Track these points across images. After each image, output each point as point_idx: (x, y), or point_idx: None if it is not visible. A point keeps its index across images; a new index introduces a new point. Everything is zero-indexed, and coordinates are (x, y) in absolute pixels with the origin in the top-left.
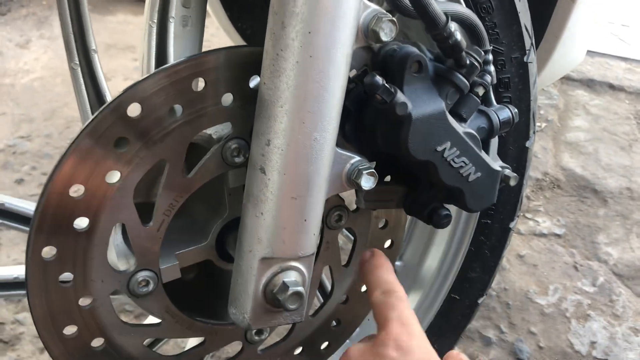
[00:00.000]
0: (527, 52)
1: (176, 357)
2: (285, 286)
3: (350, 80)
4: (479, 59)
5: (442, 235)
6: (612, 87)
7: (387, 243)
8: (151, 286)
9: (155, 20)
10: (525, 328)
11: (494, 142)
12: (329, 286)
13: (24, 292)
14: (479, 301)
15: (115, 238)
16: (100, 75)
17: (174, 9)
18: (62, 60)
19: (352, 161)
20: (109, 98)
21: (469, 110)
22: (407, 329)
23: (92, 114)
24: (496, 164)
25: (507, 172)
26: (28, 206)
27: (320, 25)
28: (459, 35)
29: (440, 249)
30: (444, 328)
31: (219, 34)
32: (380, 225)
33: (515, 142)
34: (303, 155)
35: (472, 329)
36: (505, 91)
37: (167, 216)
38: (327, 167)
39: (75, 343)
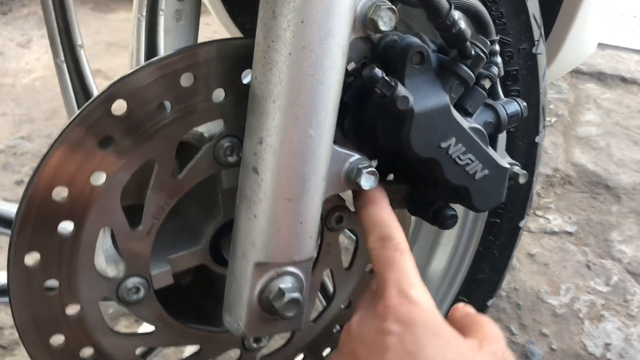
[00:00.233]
0: (535, 43)
1: None
2: (281, 293)
3: (348, 74)
4: (484, 49)
5: (448, 236)
6: (624, 80)
7: None
8: (142, 293)
9: (144, 14)
10: (537, 329)
11: (502, 138)
12: (331, 289)
13: (7, 299)
14: (488, 303)
15: (104, 243)
16: (87, 71)
17: (164, 2)
18: None
19: (351, 159)
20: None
21: (475, 104)
22: (407, 297)
23: None
24: (504, 160)
25: (516, 169)
26: (13, 209)
27: (313, 14)
28: (462, 24)
29: (447, 249)
30: None
31: (221, 30)
32: None
33: (524, 137)
34: (298, 153)
35: None
36: (513, 84)
37: (157, 219)
38: (324, 166)
39: (62, 353)
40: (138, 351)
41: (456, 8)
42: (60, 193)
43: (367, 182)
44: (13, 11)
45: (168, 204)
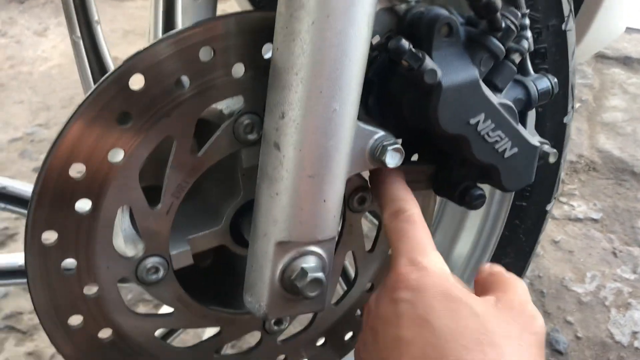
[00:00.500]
0: (565, 19)
1: (190, 348)
2: (304, 272)
3: (373, 48)
4: (515, 21)
5: (473, 219)
6: None
7: None
8: (161, 273)
9: None
10: (562, 317)
11: (532, 116)
12: (352, 273)
13: (25, 280)
14: None
15: (123, 222)
16: (104, 47)
17: None
18: None
19: (376, 136)
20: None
21: (505, 79)
22: (416, 265)
23: None
24: (534, 139)
25: (546, 147)
26: (30, 189)
27: None
28: None
29: (472, 233)
30: None
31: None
32: None
33: (552, 118)
34: (321, 128)
35: None
36: (542, 62)
37: (176, 198)
38: (348, 142)
39: (80, 334)
40: (158, 333)
41: None
42: (78, 170)
43: (392, 159)
44: (30, 0)
45: (187, 182)
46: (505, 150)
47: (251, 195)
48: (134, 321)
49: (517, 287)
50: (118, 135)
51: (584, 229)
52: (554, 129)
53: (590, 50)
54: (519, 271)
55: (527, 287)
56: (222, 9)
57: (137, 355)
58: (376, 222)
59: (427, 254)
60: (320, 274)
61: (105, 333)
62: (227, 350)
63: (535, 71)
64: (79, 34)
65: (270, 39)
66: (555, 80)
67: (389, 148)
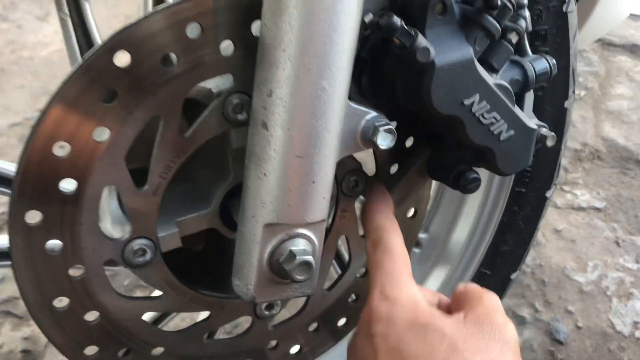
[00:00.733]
0: (566, 0)
1: (179, 332)
2: (292, 255)
3: (366, 27)
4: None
5: (471, 205)
6: None
7: (410, 212)
8: (148, 255)
9: None
10: (562, 307)
11: (529, 98)
12: (346, 258)
13: (9, 262)
14: (512, 277)
15: (111, 204)
16: (92, 25)
17: None
18: None
19: (368, 117)
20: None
21: (501, 59)
22: (387, 298)
23: None
24: (531, 121)
25: (544, 131)
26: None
27: None
28: None
29: (470, 219)
30: None
31: None
32: None
33: (552, 102)
34: (309, 107)
35: (505, 307)
36: (542, 45)
37: (163, 179)
38: (337, 122)
39: (66, 316)
40: (146, 316)
41: None
42: (61, 146)
43: (384, 140)
44: None
45: (175, 162)
46: (501, 132)
47: (241, 177)
48: (121, 303)
49: (484, 299)
50: (103, 114)
51: (587, 218)
52: (555, 113)
53: (593, 35)
54: (518, 259)
55: (498, 299)
56: None
57: (125, 339)
58: None
59: (399, 286)
60: (309, 257)
61: (91, 316)
62: (220, 335)
63: (536, 53)
64: (66, 10)
65: (259, 15)
66: (554, 61)
67: (381, 129)
